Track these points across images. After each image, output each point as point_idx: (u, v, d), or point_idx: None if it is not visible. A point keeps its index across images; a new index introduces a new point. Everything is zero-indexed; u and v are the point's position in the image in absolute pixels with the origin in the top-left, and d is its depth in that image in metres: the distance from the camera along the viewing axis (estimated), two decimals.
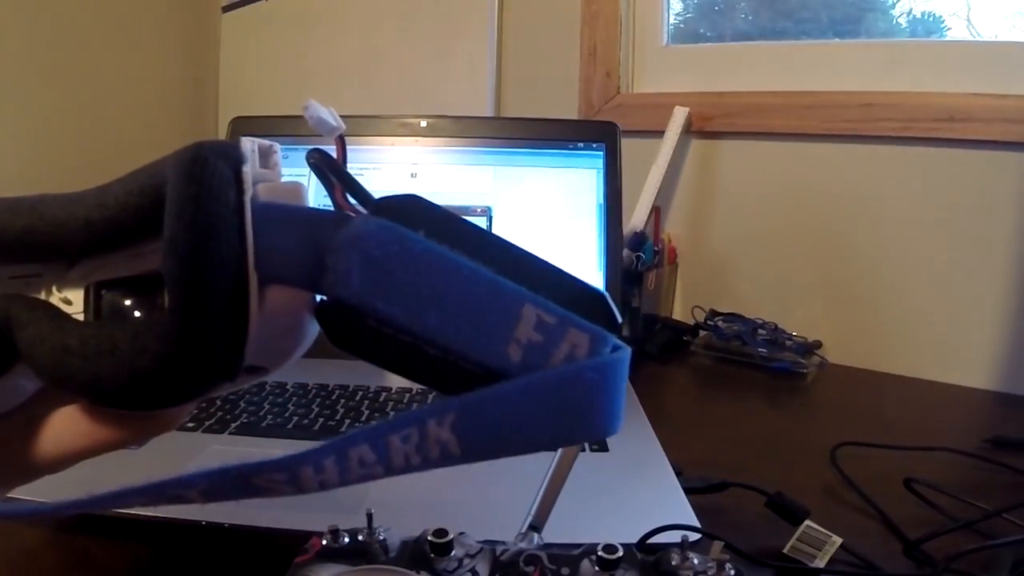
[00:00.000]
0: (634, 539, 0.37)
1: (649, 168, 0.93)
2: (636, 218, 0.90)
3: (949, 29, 0.90)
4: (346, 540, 0.30)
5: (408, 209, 0.20)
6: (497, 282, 0.18)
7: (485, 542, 0.31)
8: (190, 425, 0.52)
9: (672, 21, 1.05)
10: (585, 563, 0.30)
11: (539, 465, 0.37)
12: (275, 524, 0.39)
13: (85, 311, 0.21)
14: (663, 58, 1.03)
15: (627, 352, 0.19)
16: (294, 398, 0.58)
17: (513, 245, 0.20)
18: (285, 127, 0.74)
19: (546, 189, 0.72)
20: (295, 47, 1.23)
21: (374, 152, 0.73)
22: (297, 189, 0.22)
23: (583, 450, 0.51)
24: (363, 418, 0.55)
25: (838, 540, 0.41)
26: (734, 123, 0.94)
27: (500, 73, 1.12)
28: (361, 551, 0.30)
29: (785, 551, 0.42)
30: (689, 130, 0.96)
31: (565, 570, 0.29)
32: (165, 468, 0.45)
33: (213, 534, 0.39)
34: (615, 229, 0.71)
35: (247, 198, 0.19)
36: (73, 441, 0.21)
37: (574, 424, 0.18)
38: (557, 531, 0.33)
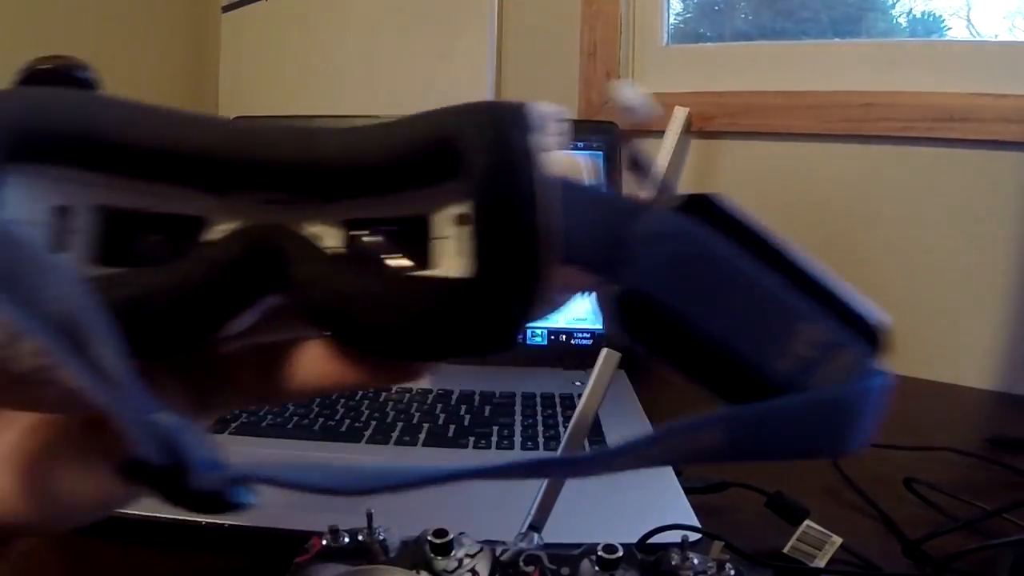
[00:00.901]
0: (634, 539, 0.37)
1: None
2: None
3: (949, 29, 0.90)
4: (346, 540, 0.30)
5: (710, 209, 0.20)
6: (783, 296, 0.19)
7: (485, 542, 0.31)
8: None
9: (672, 21, 1.05)
10: (585, 563, 0.30)
11: None
12: (275, 524, 0.39)
13: (341, 249, 0.21)
14: (663, 58, 1.03)
15: (891, 379, 0.20)
16: None
17: (800, 258, 0.20)
18: None
19: None
20: (295, 47, 1.23)
21: None
22: (579, 164, 0.21)
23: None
24: (363, 418, 0.55)
25: (838, 540, 0.41)
26: (734, 123, 0.94)
27: (500, 73, 1.12)
28: (361, 551, 0.30)
29: (785, 551, 0.42)
30: (689, 130, 0.96)
31: (565, 570, 0.29)
32: None
33: (213, 534, 0.40)
34: None
35: (543, 172, 0.19)
36: (316, 379, 0.21)
37: (829, 442, 0.19)
38: (557, 531, 0.33)
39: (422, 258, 0.21)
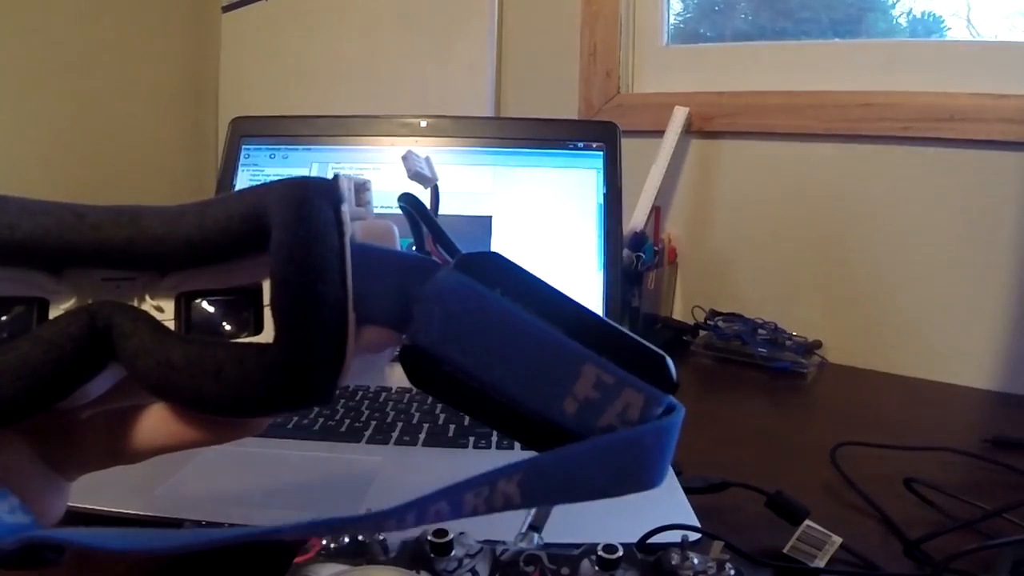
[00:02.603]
0: (634, 539, 0.37)
1: (649, 168, 0.93)
2: (636, 218, 0.90)
3: (949, 29, 0.90)
4: (346, 540, 0.30)
5: (488, 266, 0.21)
6: (561, 342, 0.20)
7: (485, 542, 0.31)
8: None
9: (672, 21, 1.05)
10: (585, 563, 0.30)
11: None
12: (275, 524, 0.39)
13: (176, 320, 0.22)
14: (663, 58, 1.03)
15: (681, 413, 0.20)
16: None
17: (583, 307, 0.21)
18: (285, 127, 0.74)
19: (546, 189, 0.72)
20: (295, 47, 1.23)
21: (374, 152, 0.73)
22: (389, 230, 0.24)
23: None
24: (363, 418, 0.55)
25: (838, 540, 0.41)
26: (734, 123, 0.94)
27: (500, 73, 1.12)
28: (361, 551, 0.30)
29: (785, 551, 0.42)
30: (689, 130, 0.96)
31: (565, 570, 0.29)
32: (165, 468, 0.45)
33: None
34: (615, 229, 0.71)
35: (347, 240, 0.21)
36: (161, 439, 0.23)
37: (627, 480, 0.20)
38: (557, 531, 0.33)
39: (258, 324, 0.22)
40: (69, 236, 0.21)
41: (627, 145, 0.73)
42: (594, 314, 0.21)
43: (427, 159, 0.26)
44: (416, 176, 0.25)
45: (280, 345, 0.20)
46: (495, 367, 0.20)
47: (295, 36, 1.23)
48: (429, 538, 0.30)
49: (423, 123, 0.74)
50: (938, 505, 0.49)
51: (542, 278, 0.22)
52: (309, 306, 0.20)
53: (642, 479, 0.19)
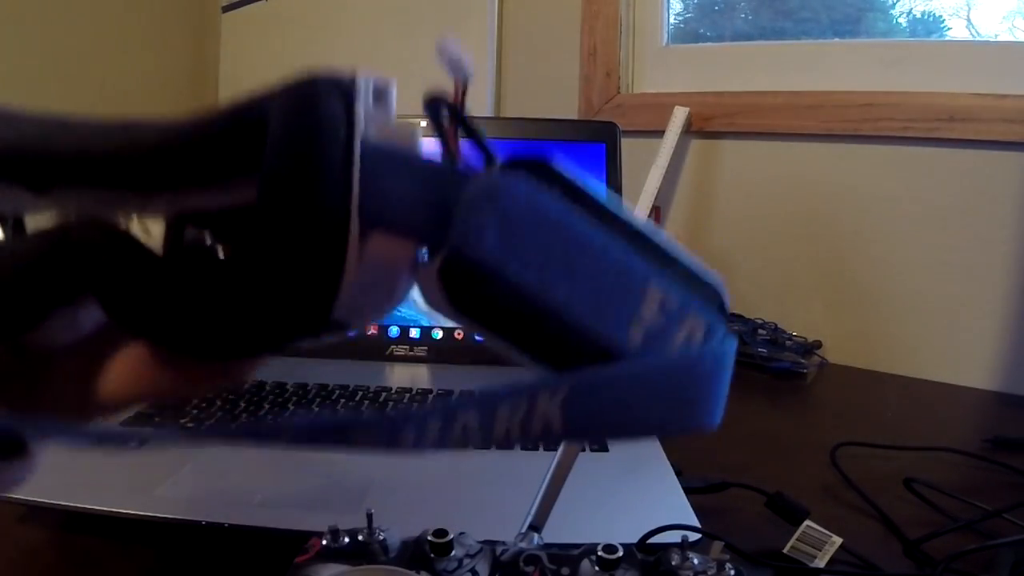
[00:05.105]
0: (634, 539, 0.37)
1: (649, 168, 0.93)
2: None
3: (949, 29, 0.91)
4: (346, 540, 0.30)
5: (540, 171, 0.18)
6: (627, 257, 0.17)
7: (485, 542, 0.31)
8: (189, 425, 0.52)
9: (672, 21, 1.05)
10: (585, 563, 0.30)
11: (539, 466, 0.37)
12: (275, 524, 0.39)
13: (165, 243, 0.20)
14: (663, 58, 1.03)
15: (734, 344, 0.18)
16: (294, 398, 0.58)
17: (632, 218, 0.18)
18: None
19: None
20: (295, 47, 1.23)
21: None
22: (411, 130, 0.20)
23: (583, 450, 0.51)
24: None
25: (838, 540, 0.41)
26: (734, 123, 0.94)
27: (500, 73, 1.12)
28: (361, 551, 0.30)
29: (785, 551, 0.42)
30: (689, 130, 0.96)
31: (565, 570, 0.29)
32: (162, 467, 0.45)
33: (213, 534, 0.39)
34: None
35: (356, 135, 0.17)
36: (137, 386, 0.20)
37: (684, 412, 0.17)
38: (557, 531, 0.33)
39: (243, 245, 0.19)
40: (51, 147, 0.18)
41: (627, 145, 0.73)
42: (644, 225, 0.18)
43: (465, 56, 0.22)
44: (451, 63, 0.21)
45: (262, 255, 0.17)
46: (558, 286, 0.17)
47: (295, 36, 1.23)
48: (429, 538, 0.30)
49: (423, 123, 0.73)
50: (938, 505, 0.49)
51: (598, 187, 0.18)
52: (300, 205, 0.16)
53: (698, 413, 0.17)
